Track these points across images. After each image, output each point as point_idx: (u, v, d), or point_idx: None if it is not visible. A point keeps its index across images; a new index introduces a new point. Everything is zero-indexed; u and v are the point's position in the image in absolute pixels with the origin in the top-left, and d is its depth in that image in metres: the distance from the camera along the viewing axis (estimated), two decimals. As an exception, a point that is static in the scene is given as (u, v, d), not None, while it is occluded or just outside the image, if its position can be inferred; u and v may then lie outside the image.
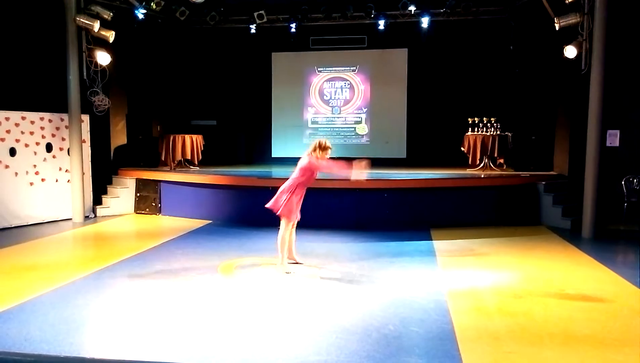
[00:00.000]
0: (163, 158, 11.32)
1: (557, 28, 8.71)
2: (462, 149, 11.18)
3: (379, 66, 13.67)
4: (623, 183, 8.98)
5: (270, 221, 8.95)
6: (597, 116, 8.35)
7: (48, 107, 9.72)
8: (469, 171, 10.76)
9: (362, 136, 13.84)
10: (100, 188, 10.68)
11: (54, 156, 9.81)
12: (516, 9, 11.42)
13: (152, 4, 10.96)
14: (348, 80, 13.91)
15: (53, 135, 9.82)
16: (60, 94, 9.68)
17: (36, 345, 4.14)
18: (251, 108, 14.17)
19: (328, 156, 6.27)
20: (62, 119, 9.89)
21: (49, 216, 9.72)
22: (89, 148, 10.33)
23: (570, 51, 8.62)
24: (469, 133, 11.10)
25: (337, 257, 7.11)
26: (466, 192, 9.52)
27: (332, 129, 13.83)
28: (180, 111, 13.30)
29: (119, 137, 11.50)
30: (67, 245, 8.34)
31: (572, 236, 8.46)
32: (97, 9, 9.64)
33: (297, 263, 6.62)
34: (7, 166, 9.12)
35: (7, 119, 9.11)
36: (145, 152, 11.81)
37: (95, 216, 10.39)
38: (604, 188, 8.68)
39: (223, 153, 13.73)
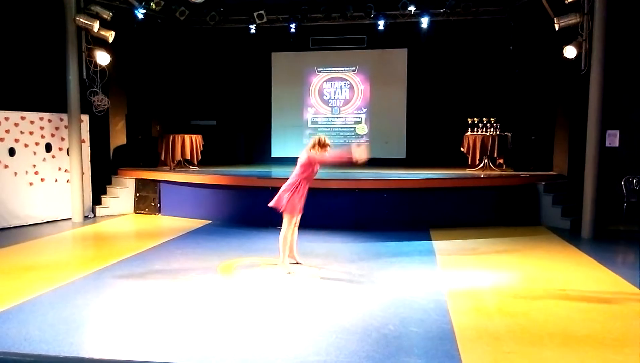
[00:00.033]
0: (162, 158, 11.32)
1: (556, 28, 8.71)
2: (462, 149, 11.18)
3: (379, 66, 13.67)
4: (622, 183, 8.98)
5: (270, 221, 8.99)
6: (596, 116, 8.35)
7: (47, 107, 9.71)
8: (468, 171, 10.76)
9: (362, 136, 13.84)
10: (99, 188, 10.67)
11: (53, 156, 9.81)
12: (516, 9, 11.42)
13: (151, 4, 10.96)
14: (348, 80, 13.91)
15: (52, 135, 9.81)
16: (60, 94, 9.68)
17: (35, 345, 4.13)
18: (251, 108, 14.17)
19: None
20: (61, 119, 9.89)
21: (49, 216, 9.71)
22: (89, 147, 10.32)
23: (570, 51, 8.62)
24: (469, 133, 11.10)
25: (336, 257, 7.11)
26: (466, 192, 9.52)
27: (331, 129, 13.83)
28: (180, 111, 13.30)
29: (118, 137, 11.50)
30: (66, 245, 8.34)
31: (571, 236, 8.47)
32: (97, 9, 9.63)
33: (297, 263, 6.62)
34: (6, 166, 9.11)
35: (6, 119, 9.11)
36: (144, 152, 11.80)
37: (95, 216, 10.38)
38: (603, 188, 8.68)
39: (223, 153, 13.73)
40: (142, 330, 4.49)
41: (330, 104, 14.04)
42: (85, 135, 10.18)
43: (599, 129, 8.40)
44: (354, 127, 13.87)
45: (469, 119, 11.16)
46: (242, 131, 14.15)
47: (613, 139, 9.44)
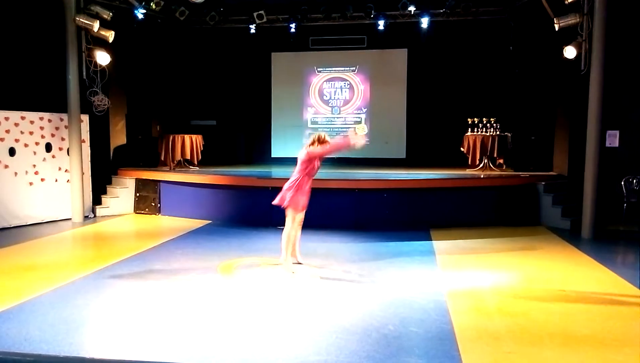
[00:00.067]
0: (162, 158, 11.32)
1: (556, 28, 8.71)
2: (462, 149, 11.18)
3: (379, 66, 13.67)
4: (622, 183, 8.99)
5: (270, 221, 9.00)
6: (596, 116, 8.35)
7: (47, 107, 9.71)
8: (468, 172, 10.76)
9: (362, 136, 13.81)
10: (99, 188, 10.67)
11: (53, 156, 9.81)
12: (516, 9, 11.42)
13: (151, 4, 10.96)
14: (348, 80, 13.92)
15: (52, 135, 9.81)
16: (60, 94, 9.68)
17: (36, 345, 4.13)
18: (251, 108, 14.18)
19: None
20: (61, 119, 9.89)
21: (49, 216, 9.71)
22: (89, 147, 10.32)
23: (569, 52, 8.62)
24: (469, 133, 11.11)
25: (336, 257, 7.11)
26: (466, 192, 9.52)
27: (331, 129, 13.82)
28: (180, 111, 13.30)
29: (118, 137, 11.50)
30: (66, 244, 8.34)
31: (571, 236, 8.47)
32: (97, 8, 9.63)
33: (298, 262, 6.62)
34: (6, 166, 9.11)
35: (6, 119, 9.11)
36: (144, 152, 11.80)
37: (95, 216, 10.38)
38: (603, 189, 8.69)
39: (223, 153, 13.73)
40: (142, 330, 4.49)
41: (330, 104, 14.04)
42: (85, 135, 10.18)
43: (599, 129, 8.41)
44: (354, 128, 13.85)
45: (469, 119, 11.17)
46: (242, 131, 14.16)
47: (613, 139, 9.45)
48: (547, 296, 5.46)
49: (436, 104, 13.16)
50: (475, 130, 11.06)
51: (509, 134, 10.94)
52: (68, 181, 9.91)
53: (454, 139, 11.75)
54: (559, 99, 10.31)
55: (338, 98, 13.97)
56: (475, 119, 11.09)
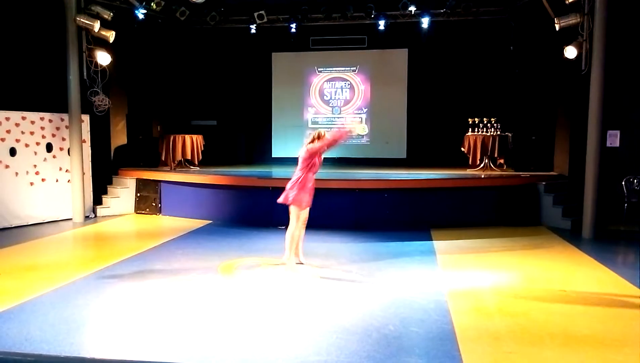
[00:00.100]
0: (163, 158, 11.33)
1: (557, 28, 8.71)
2: (462, 149, 11.18)
3: (379, 66, 13.67)
4: (623, 183, 8.98)
5: (271, 221, 9.00)
6: (597, 116, 8.35)
7: (48, 107, 9.72)
8: (469, 172, 10.75)
9: (362, 136, 13.84)
10: (100, 188, 10.68)
11: (54, 156, 9.82)
12: (516, 9, 11.42)
13: (152, 4, 10.97)
14: (348, 80, 13.92)
15: (53, 135, 9.82)
16: (61, 94, 9.68)
17: (36, 345, 4.14)
18: (251, 108, 14.18)
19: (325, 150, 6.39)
20: (62, 119, 9.89)
21: (49, 216, 9.72)
22: (89, 148, 10.33)
23: (570, 52, 8.62)
24: (469, 133, 11.10)
25: (337, 257, 7.11)
26: (466, 192, 9.52)
27: (332, 130, 13.81)
28: (181, 111, 13.31)
29: (119, 137, 11.51)
30: (67, 245, 8.34)
31: (572, 236, 8.46)
32: (97, 9, 9.64)
33: (299, 262, 6.62)
34: (7, 166, 9.12)
35: (7, 119, 9.12)
36: (145, 152, 11.81)
37: (96, 216, 10.39)
38: (604, 189, 8.68)
39: (223, 153, 13.73)
40: (143, 330, 4.49)
41: (330, 104, 14.04)
42: (86, 135, 10.19)
43: (599, 129, 8.40)
44: (354, 126, 13.85)
45: (469, 119, 11.16)
46: (242, 131, 14.16)
47: (614, 139, 9.44)
48: (548, 297, 5.46)
49: (437, 104, 13.15)
50: (476, 130, 11.06)
51: (510, 134, 10.94)
52: (69, 181, 9.91)
53: (454, 139, 11.75)
54: (559, 99, 10.31)
55: (339, 98, 13.96)
56: (476, 119, 11.08)
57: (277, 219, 8.90)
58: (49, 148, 9.75)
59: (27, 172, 9.40)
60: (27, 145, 9.41)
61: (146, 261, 6.82)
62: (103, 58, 9.94)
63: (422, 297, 5.36)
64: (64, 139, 9.92)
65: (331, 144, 6.28)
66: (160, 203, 10.57)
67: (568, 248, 7.73)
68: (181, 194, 10.39)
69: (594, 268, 6.64)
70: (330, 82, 13.99)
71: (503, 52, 11.99)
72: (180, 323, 4.65)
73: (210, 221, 9.73)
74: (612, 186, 9.08)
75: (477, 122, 11.06)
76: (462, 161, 11.42)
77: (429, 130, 13.16)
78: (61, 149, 9.91)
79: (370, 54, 13.65)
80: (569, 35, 8.70)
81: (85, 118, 10.13)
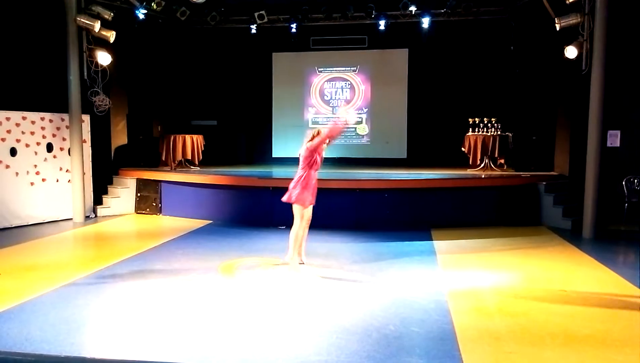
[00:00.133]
0: (163, 158, 11.33)
1: (557, 28, 8.70)
2: (463, 149, 11.18)
3: (380, 66, 13.67)
4: (624, 183, 8.99)
5: (271, 221, 9.00)
6: (597, 116, 8.34)
7: (49, 108, 9.73)
8: (469, 172, 10.75)
9: (363, 136, 13.84)
10: (100, 188, 10.69)
11: (54, 156, 9.82)
12: (517, 9, 11.42)
13: (152, 4, 10.97)
14: (348, 80, 13.91)
15: (54, 135, 9.83)
16: (61, 94, 9.69)
17: (37, 345, 4.14)
18: (252, 108, 14.18)
19: (324, 148, 6.49)
20: (62, 119, 9.90)
21: (50, 216, 9.72)
22: (90, 147, 10.33)
23: (570, 51, 8.61)
24: (470, 133, 11.10)
25: (337, 257, 7.11)
26: (467, 192, 9.52)
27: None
28: (181, 111, 13.31)
29: (119, 137, 11.51)
30: (67, 244, 8.35)
31: (572, 236, 8.46)
32: (98, 9, 9.64)
33: (301, 262, 6.62)
34: (7, 166, 9.13)
35: (7, 119, 9.12)
36: (145, 152, 11.81)
37: (96, 216, 10.39)
38: (604, 189, 8.68)
39: (223, 153, 13.73)
40: (143, 330, 4.50)
41: (331, 104, 14.04)
42: (87, 135, 10.20)
43: (600, 129, 8.40)
44: (355, 128, 13.87)
45: (469, 119, 11.16)
46: (243, 131, 14.16)
47: (614, 139, 9.44)
48: (548, 297, 5.46)
49: (437, 104, 13.15)
50: (476, 130, 11.05)
51: (510, 134, 10.93)
52: (69, 181, 9.92)
53: (454, 139, 11.75)
54: (560, 99, 10.31)
55: (339, 98, 13.96)
56: (476, 119, 11.08)
57: (277, 219, 8.90)
58: (50, 148, 9.76)
59: (28, 172, 9.40)
60: (27, 145, 9.41)
61: (146, 261, 6.82)
62: (103, 58, 9.94)
63: (423, 297, 5.36)
64: (64, 139, 9.92)
65: (329, 138, 6.39)
66: (160, 203, 10.58)
67: (568, 248, 7.72)
68: (181, 194, 10.39)
69: (594, 268, 6.63)
70: (331, 82, 13.99)
71: (503, 52, 11.99)
72: (180, 323, 4.65)
73: (211, 221, 9.73)
74: (612, 186, 9.08)
75: (477, 122, 11.06)
76: (462, 161, 11.41)
77: (430, 130, 13.15)
78: (61, 149, 9.92)
79: (371, 54, 13.65)
80: (569, 35, 8.70)
81: (86, 118, 10.13)
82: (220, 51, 13.62)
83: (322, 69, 13.98)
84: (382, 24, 12.17)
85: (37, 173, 9.54)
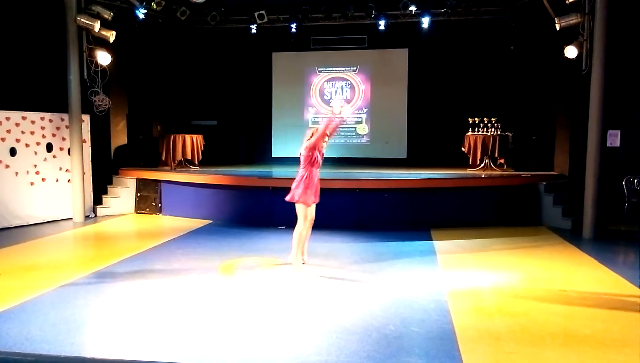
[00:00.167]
0: (163, 158, 11.33)
1: (557, 28, 8.70)
2: (463, 149, 11.18)
3: (380, 66, 13.67)
4: (624, 183, 8.99)
5: (271, 221, 9.00)
6: (597, 116, 8.34)
7: (48, 107, 9.72)
8: (469, 171, 10.75)
9: (363, 136, 13.84)
10: (100, 188, 10.68)
11: (54, 156, 9.82)
12: (517, 9, 11.42)
13: (152, 4, 10.97)
14: (348, 80, 13.91)
15: (53, 135, 9.82)
16: (61, 94, 9.69)
17: (37, 344, 4.14)
18: (252, 108, 14.17)
19: (325, 145, 6.54)
20: (62, 119, 9.89)
21: (50, 216, 9.72)
22: (90, 147, 10.33)
23: (570, 51, 8.61)
24: (470, 133, 11.10)
25: (337, 257, 7.11)
26: (467, 192, 9.52)
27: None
28: (181, 111, 13.31)
29: (119, 137, 11.51)
30: (67, 244, 8.35)
31: (572, 236, 8.46)
32: (98, 9, 9.64)
33: (302, 262, 6.62)
34: (7, 166, 9.12)
35: (7, 119, 9.12)
36: (145, 152, 11.81)
37: (96, 215, 10.39)
38: (604, 188, 8.68)
39: (223, 153, 13.73)
40: (143, 330, 4.49)
41: (331, 104, 14.02)
42: (86, 135, 10.19)
43: (600, 129, 8.40)
44: (355, 128, 13.87)
45: (469, 119, 11.16)
46: (243, 131, 14.16)
47: (614, 139, 9.44)
48: (548, 296, 5.46)
49: (437, 104, 13.15)
50: (476, 130, 11.05)
51: (510, 134, 10.93)
52: (69, 181, 9.92)
53: (454, 139, 11.74)
54: (560, 99, 10.31)
55: (339, 98, 13.94)
56: (476, 119, 11.08)
57: (277, 219, 8.90)
58: (49, 147, 9.76)
59: (28, 172, 9.40)
60: (27, 145, 9.41)
61: (146, 261, 6.82)
62: (103, 58, 9.94)
63: (423, 297, 5.36)
64: (64, 139, 9.92)
65: (326, 132, 6.44)
66: (160, 203, 10.58)
67: (568, 248, 7.73)
68: (181, 194, 10.39)
69: (594, 268, 6.63)
70: (331, 82, 13.99)
71: (503, 52, 11.99)
72: (180, 323, 4.65)
73: (211, 221, 9.73)
74: (612, 186, 9.08)
75: (477, 122, 11.06)
76: (462, 161, 11.41)
77: (429, 130, 13.15)
78: (61, 149, 9.91)
79: (371, 54, 13.65)
80: (569, 35, 8.70)
81: (86, 118, 10.13)
82: (220, 50, 13.62)
83: (322, 69, 13.98)
84: (382, 23, 12.17)
85: (37, 173, 9.54)
